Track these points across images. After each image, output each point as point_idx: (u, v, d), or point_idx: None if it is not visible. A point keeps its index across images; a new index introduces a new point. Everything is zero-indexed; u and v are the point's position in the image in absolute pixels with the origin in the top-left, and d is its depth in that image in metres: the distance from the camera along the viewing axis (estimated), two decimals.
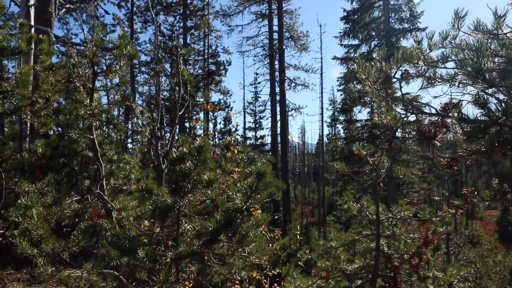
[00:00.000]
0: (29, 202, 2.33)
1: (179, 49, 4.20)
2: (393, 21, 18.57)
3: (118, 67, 3.69)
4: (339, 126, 38.31)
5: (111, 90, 4.41)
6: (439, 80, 2.82)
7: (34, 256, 2.36)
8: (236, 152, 4.64)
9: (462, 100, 2.31)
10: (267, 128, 27.55)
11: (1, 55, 4.11)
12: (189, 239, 2.82)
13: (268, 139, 27.48)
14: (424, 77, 2.69)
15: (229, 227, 2.66)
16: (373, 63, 2.96)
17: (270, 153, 24.17)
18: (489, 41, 2.86)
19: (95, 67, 3.68)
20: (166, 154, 3.88)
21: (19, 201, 2.30)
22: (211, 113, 22.49)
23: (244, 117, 30.57)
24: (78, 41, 16.32)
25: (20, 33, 5.51)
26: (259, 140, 28.92)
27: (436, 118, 2.13)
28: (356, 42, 19.81)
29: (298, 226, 5.47)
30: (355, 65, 2.48)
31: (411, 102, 2.32)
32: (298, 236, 3.62)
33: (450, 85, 2.79)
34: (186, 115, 16.96)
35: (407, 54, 2.23)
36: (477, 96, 2.25)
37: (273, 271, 3.70)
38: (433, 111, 2.48)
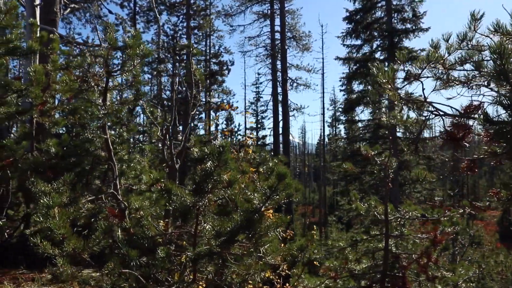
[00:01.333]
0: (51, 202, 2.33)
1: (191, 49, 4.20)
2: (395, 21, 18.57)
3: (131, 67, 3.69)
4: (340, 127, 38.39)
5: (117, 89, 4.41)
6: (456, 83, 2.83)
7: (55, 255, 2.36)
8: (250, 152, 4.65)
9: (483, 102, 2.31)
10: (269, 128, 27.57)
11: (14, 54, 4.11)
12: (207, 239, 2.82)
13: (269, 139, 27.49)
14: (442, 80, 2.70)
15: (249, 227, 2.66)
16: (376, 64, 2.97)
17: (272, 153, 24.16)
18: (507, 42, 2.87)
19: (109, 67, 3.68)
20: (179, 154, 3.88)
21: (41, 201, 2.31)
22: (213, 113, 22.48)
23: (245, 117, 30.57)
24: (81, 40, 16.30)
25: (30, 32, 5.51)
26: (261, 140, 28.93)
27: (459, 120, 2.13)
28: (358, 42, 19.84)
29: (315, 226, 5.47)
30: (373, 68, 2.48)
31: (431, 103, 2.32)
32: (315, 236, 3.62)
33: (468, 88, 2.80)
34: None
35: (429, 56, 2.24)
36: (499, 98, 2.24)
37: (286, 271, 3.70)
38: (452, 112, 2.48)
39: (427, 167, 17.66)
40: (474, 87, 2.98)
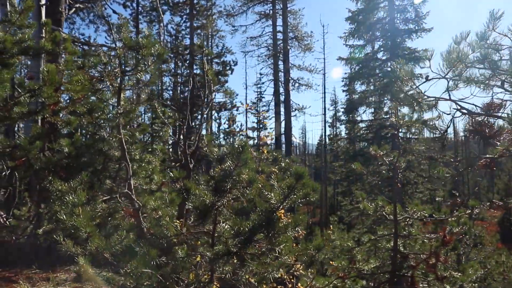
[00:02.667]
0: (75, 200, 2.33)
1: (203, 49, 4.20)
2: (398, 21, 18.58)
3: (145, 67, 3.69)
4: (341, 127, 38.36)
5: (131, 89, 4.42)
6: (474, 82, 2.84)
7: (77, 254, 2.36)
8: (265, 152, 4.66)
9: (506, 101, 2.32)
10: (271, 129, 27.52)
11: (27, 54, 4.11)
12: (225, 239, 2.82)
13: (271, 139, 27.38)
14: (461, 79, 2.71)
15: (268, 226, 2.67)
16: (398, 60, 2.98)
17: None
18: None
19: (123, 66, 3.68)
20: (192, 153, 3.89)
21: (66, 199, 2.31)
22: (215, 113, 22.46)
23: (246, 117, 30.57)
24: (83, 41, 16.28)
25: (39, 32, 5.50)
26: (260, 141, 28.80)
27: (483, 118, 2.14)
28: (361, 42, 19.84)
29: (331, 226, 5.48)
30: (395, 66, 2.48)
31: (455, 101, 2.33)
32: (331, 236, 3.63)
33: (484, 88, 2.81)
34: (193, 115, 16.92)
35: (454, 56, 2.25)
36: None
37: (301, 271, 3.70)
38: (473, 110, 2.48)
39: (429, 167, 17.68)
40: (487, 87, 3.00)
